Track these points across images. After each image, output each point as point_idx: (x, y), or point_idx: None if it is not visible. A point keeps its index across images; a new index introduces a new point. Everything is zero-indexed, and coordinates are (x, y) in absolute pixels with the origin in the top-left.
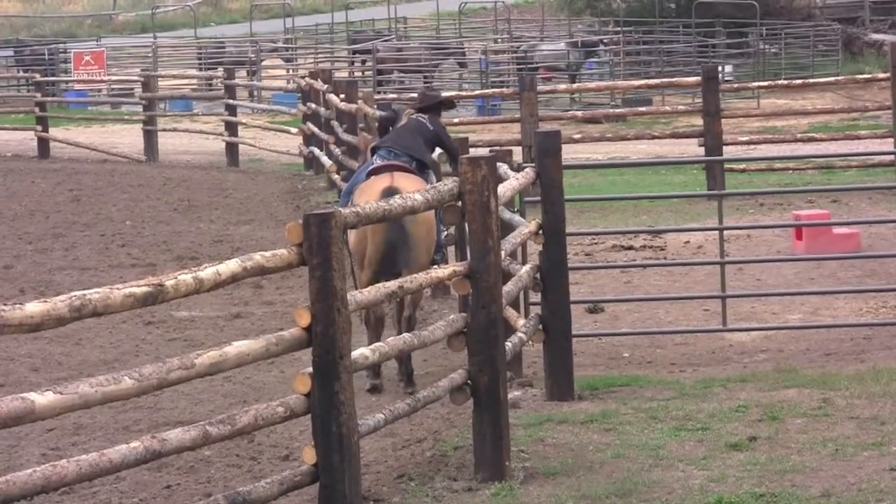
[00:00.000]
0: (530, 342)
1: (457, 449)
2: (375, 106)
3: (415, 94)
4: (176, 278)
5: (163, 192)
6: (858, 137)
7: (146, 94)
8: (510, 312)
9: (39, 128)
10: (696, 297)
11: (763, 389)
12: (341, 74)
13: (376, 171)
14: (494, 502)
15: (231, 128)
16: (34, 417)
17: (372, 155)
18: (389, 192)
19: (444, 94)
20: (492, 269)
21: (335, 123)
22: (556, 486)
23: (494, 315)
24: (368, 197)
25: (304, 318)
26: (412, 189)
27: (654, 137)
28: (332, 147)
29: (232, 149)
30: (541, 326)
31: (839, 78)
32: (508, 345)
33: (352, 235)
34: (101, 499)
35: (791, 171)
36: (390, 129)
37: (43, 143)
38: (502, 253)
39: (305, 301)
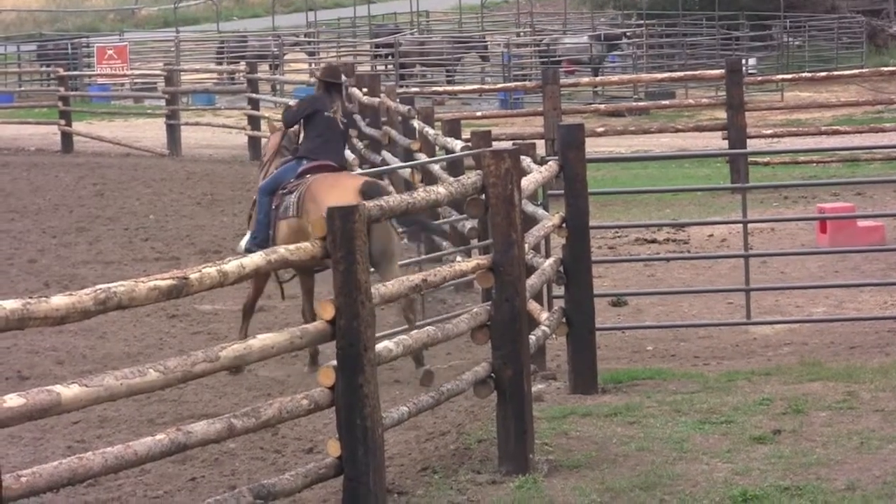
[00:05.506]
0: (554, 335)
1: (480, 442)
2: (398, 99)
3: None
4: (200, 271)
5: (186, 186)
6: (883, 130)
7: (169, 88)
8: (534, 306)
9: (63, 122)
10: (719, 290)
11: (787, 382)
12: (364, 68)
13: (312, 171)
14: (518, 495)
15: (254, 122)
16: (60, 410)
17: (293, 158)
18: (370, 186)
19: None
20: (515, 262)
21: (358, 117)
22: (580, 479)
23: (518, 308)
24: (340, 194)
25: (328, 311)
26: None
27: (677, 131)
28: (355, 141)
29: (255, 143)
30: (564, 319)
31: (863, 70)
32: (532, 338)
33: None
34: (127, 491)
35: (815, 164)
36: (305, 119)
37: (66, 138)
38: (526, 246)
39: (329, 294)
